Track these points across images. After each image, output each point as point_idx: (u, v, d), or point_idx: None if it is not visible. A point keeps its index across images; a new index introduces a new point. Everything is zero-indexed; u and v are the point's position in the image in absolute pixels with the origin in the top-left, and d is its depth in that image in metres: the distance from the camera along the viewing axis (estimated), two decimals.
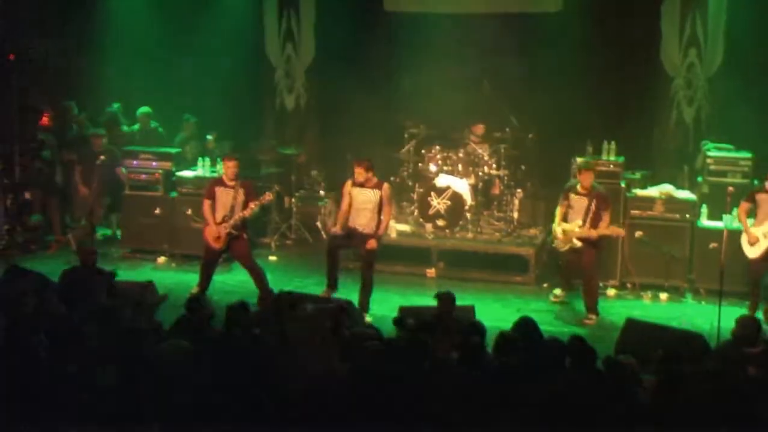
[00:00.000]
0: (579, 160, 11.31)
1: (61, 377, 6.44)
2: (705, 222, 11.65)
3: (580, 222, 10.74)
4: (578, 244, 10.72)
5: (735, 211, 11.08)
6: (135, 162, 13.09)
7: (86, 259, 9.61)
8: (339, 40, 14.51)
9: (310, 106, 15.46)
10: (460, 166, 13.10)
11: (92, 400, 6.21)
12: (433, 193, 12.72)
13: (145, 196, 12.95)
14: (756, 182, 11.82)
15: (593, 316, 10.73)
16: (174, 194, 12.89)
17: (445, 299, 8.65)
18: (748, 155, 11.99)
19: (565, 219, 10.89)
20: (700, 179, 12.23)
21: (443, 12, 14.37)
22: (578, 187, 10.83)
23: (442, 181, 12.83)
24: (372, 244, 10.53)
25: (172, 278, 11.80)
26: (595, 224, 10.64)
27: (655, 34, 13.79)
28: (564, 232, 10.82)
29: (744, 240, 10.62)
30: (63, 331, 7.01)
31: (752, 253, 10.57)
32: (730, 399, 6.25)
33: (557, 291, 11.36)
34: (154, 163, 13.04)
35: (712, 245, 11.14)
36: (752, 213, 10.76)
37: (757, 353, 7.63)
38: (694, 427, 5.93)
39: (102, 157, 12.85)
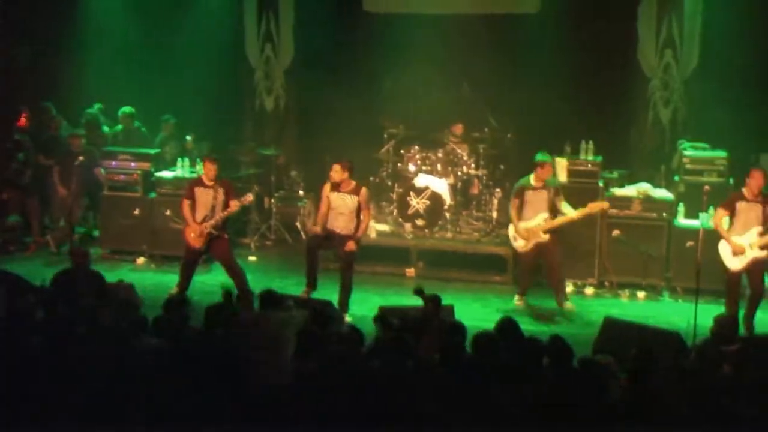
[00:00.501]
0: (538, 155, 11.32)
1: (42, 379, 6.45)
2: (681, 221, 11.75)
3: (545, 215, 10.87)
4: (545, 237, 10.83)
5: (711, 211, 11.17)
6: (113, 163, 13.06)
7: (79, 261, 9.58)
8: (318, 41, 14.52)
9: (290, 107, 15.46)
10: (439, 166, 13.16)
11: (77, 401, 6.22)
12: (412, 193, 12.76)
13: (124, 197, 12.92)
14: (731, 181, 11.96)
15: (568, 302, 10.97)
16: (153, 195, 12.88)
17: (433, 301, 8.66)
18: (724, 154, 12.10)
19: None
20: (676, 178, 12.33)
21: (422, 13, 14.41)
22: (533, 182, 10.93)
23: (421, 181, 12.88)
24: (351, 246, 10.57)
25: (151, 279, 11.79)
26: (555, 215, 10.90)
27: (632, 35, 13.90)
28: (528, 230, 10.90)
29: (725, 250, 10.16)
30: (42, 334, 7.03)
31: (735, 264, 10.11)
32: (707, 397, 6.30)
33: (517, 299, 11.32)
34: (132, 164, 13.01)
35: (689, 244, 11.24)
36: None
37: (734, 351, 7.72)
38: (670, 424, 5.98)
39: (80, 158, 12.82)
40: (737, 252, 10.02)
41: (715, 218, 10.25)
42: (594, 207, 10.96)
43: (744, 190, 10.13)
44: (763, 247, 9.92)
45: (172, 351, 6.91)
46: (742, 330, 9.23)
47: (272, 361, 7.11)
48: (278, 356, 7.21)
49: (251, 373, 6.81)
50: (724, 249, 10.13)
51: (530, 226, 10.92)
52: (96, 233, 13.45)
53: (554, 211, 10.95)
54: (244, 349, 7.18)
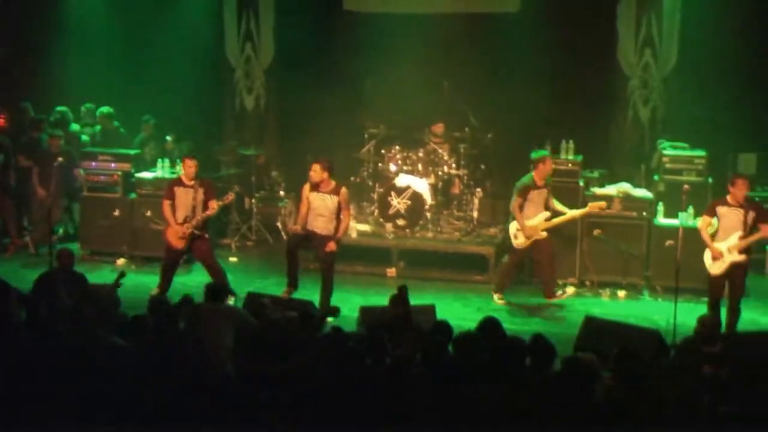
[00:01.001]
0: (536, 152, 11.35)
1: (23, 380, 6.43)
2: (661, 220, 11.79)
3: (546, 214, 11.01)
4: (544, 235, 10.96)
5: (691, 209, 11.23)
6: (93, 163, 13.01)
7: (64, 263, 9.53)
8: (298, 41, 14.50)
9: (270, 106, 15.43)
10: (420, 166, 13.16)
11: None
12: (393, 193, 12.76)
13: (104, 198, 12.87)
14: (710, 180, 12.03)
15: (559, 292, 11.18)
16: (133, 196, 12.83)
17: (400, 303, 8.65)
18: (703, 153, 12.16)
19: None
20: (656, 177, 12.38)
21: (402, 12, 14.42)
22: (537, 181, 11.01)
23: (402, 180, 12.88)
24: (331, 246, 10.58)
25: (132, 280, 11.67)
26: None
27: (611, 34, 13.94)
28: (532, 228, 10.94)
29: (707, 255, 10.06)
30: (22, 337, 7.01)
31: (715, 269, 10.00)
32: (689, 396, 6.33)
33: (498, 297, 11.38)
34: (112, 165, 12.96)
35: (669, 243, 11.29)
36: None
37: (717, 352, 7.77)
38: (652, 423, 6.00)
39: (60, 159, 12.74)
40: (715, 256, 9.93)
41: (700, 225, 10.14)
42: (594, 206, 11.14)
43: (728, 196, 9.97)
44: (742, 251, 9.84)
45: (133, 349, 6.93)
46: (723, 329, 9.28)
47: (214, 351, 7.28)
48: (219, 347, 7.37)
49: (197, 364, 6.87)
50: (707, 256, 10.04)
51: (533, 224, 10.98)
52: (60, 230, 13.30)
53: (548, 209, 11.08)
54: (191, 340, 7.31)
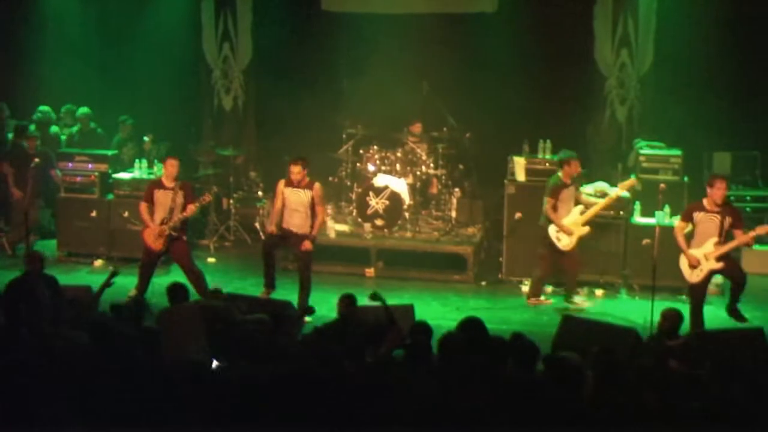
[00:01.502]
0: (565, 152, 11.31)
1: None
2: (638, 219, 11.87)
3: (580, 207, 11.10)
4: (586, 229, 11.05)
5: (667, 208, 11.30)
6: (70, 164, 12.95)
7: (33, 266, 9.41)
8: (276, 41, 14.50)
9: (248, 107, 15.41)
10: (398, 166, 13.18)
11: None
12: (371, 193, 12.77)
13: (81, 199, 12.82)
14: (686, 179, 12.11)
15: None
16: (110, 197, 12.78)
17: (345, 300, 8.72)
18: (678, 153, 12.25)
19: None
20: (632, 176, 12.44)
21: (380, 12, 14.42)
22: (565, 180, 11.03)
23: (380, 180, 12.89)
24: (307, 245, 10.61)
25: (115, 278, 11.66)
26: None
27: (588, 34, 14.02)
28: (573, 224, 10.99)
29: (684, 263, 9.97)
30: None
31: (694, 277, 9.91)
32: (661, 392, 6.37)
33: (537, 300, 11.32)
34: (89, 166, 12.91)
35: (645, 241, 11.34)
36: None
37: (679, 346, 7.84)
38: (631, 421, 6.02)
39: (36, 160, 12.67)
40: (693, 264, 9.87)
41: (676, 230, 10.07)
42: (624, 186, 11.15)
43: (704, 201, 9.90)
44: (719, 259, 9.81)
45: (97, 348, 6.91)
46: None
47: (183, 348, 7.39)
48: (190, 343, 7.52)
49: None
50: (683, 262, 9.97)
51: (571, 221, 10.99)
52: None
53: (577, 203, 11.17)
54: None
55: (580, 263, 11.15)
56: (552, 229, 11.05)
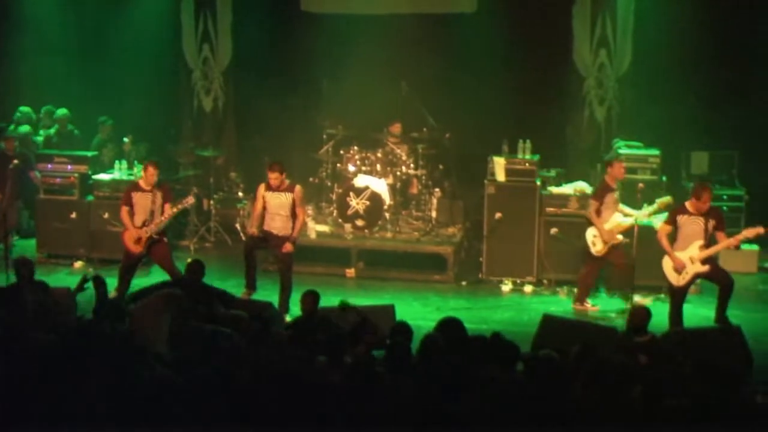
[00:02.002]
0: (615, 150, 11.13)
1: None
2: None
3: (621, 216, 10.83)
4: (620, 239, 10.81)
5: (645, 207, 11.37)
6: (49, 166, 12.90)
7: (25, 272, 9.34)
8: (256, 41, 14.48)
9: (228, 107, 15.38)
10: (378, 166, 13.19)
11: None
12: (351, 194, 12.78)
13: (61, 201, 12.76)
14: (664, 178, 12.19)
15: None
16: (90, 198, 12.74)
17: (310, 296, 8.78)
18: (657, 152, 12.33)
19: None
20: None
21: (360, 13, 14.44)
22: (611, 184, 10.90)
23: (360, 181, 12.91)
24: (288, 247, 10.65)
25: (89, 283, 11.61)
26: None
27: (568, 34, 14.08)
28: (610, 231, 10.74)
29: (668, 266, 9.94)
30: None
31: (679, 280, 9.86)
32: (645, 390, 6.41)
33: (581, 306, 11.07)
34: (69, 167, 12.85)
35: (624, 241, 11.40)
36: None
37: (646, 342, 7.91)
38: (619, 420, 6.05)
39: (15, 161, 12.60)
40: (678, 268, 9.82)
41: (659, 233, 10.08)
42: (662, 204, 10.69)
43: (687, 204, 9.92)
44: (704, 262, 9.81)
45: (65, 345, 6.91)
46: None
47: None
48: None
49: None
50: (667, 264, 9.95)
51: (610, 228, 10.76)
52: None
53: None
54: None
55: (629, 262, 10.73)
56: (589, 233, 10.86)
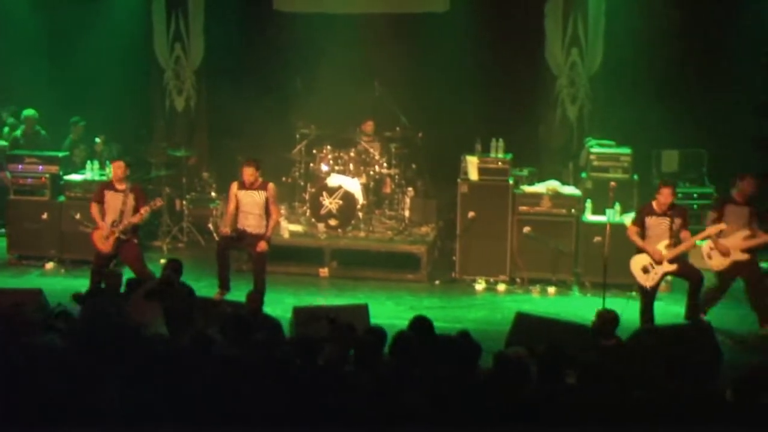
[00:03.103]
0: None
1: None
2: (589, 217, 12.00)
3: (746, 232, 10.22)
4: (743, 256, 10.21)
5: (617, 206, 11.45)
6: (20, 166, 12.79)
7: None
8: (229, 41, 14.43)
9: (200, 107, 15.32)
10: (351, 166, 13.19)
11: None
12: (324, 193, 12.78)
13: (31, 201, 12.67)
14: (636, 177, 12.28)
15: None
16: (62, 199, 12.66)
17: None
18: (628, 151, 12.41)
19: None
20: (584, 175, 12.60)
21: (332, 12, 14.43)
22: (737, 197, 10.32)
23: (333, 180, 12.90)
24: (262, 246, 10.64)
25: (60, 284, 11.56)
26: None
27: (540, 34, 14.14)
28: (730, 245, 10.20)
29: (636, 267, 9.98)
30: None
31: (648, 281, 9.92)
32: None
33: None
34: (40, 167, 12.75)
35: (597, 239, 11.49)
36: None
37: (613, 345, 7.96)
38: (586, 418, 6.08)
39: None
40: (655, 258, 9.82)
41: (629, 232, 10.11)
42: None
43: (653, 203, 10.01)
44: (672, 260, 9.88)
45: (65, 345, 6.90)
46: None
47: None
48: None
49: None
50: (635, 266, 10.01)
51: (729, 242, 10.22)
52: None
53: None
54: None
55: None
56: (706, 246, 10.32)
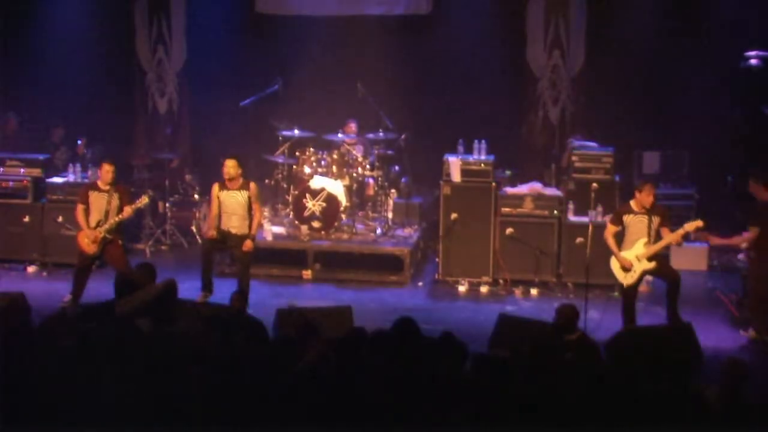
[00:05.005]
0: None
1: None
2: (571, 218, 12.05)
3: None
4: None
5: (599, 207, 11.50)
6: (1, 169, 12.74)
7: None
8: (211, 43, 14.46)
9: (183, 109, 15.32)
10: (334, 168, 13.18)
11: None
12: (307, 195, 12.77)
13: (13, 204, 12.62)
14: (618, 178, 12.34)
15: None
16: (44, 201, 12.61)
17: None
18: (610, 152, 12.47)
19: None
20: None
21: (315, 14, 14.45)
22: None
23: (316, 182, 12.90)
24: (248, 245, 10.65)
25: (42, 288, 11.52)
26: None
27: (521, 35, 14.20)
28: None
29: (616, 266, 10.00)
30: None
31: (627, 279, 9.91)
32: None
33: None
34: (22, 170, 12.71)
35: (579, 240, 11.53)
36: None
37: (574, 340, 8.02)
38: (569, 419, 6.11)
39: None
40: (626, 266, 9.88)
41: (605, 233, 10.11)
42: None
43: (632, 203, 9.99)
44: (650, 259, 9.90)
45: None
46: None
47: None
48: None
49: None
50: (614, 265, 10.02)
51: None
52: None
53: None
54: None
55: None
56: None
